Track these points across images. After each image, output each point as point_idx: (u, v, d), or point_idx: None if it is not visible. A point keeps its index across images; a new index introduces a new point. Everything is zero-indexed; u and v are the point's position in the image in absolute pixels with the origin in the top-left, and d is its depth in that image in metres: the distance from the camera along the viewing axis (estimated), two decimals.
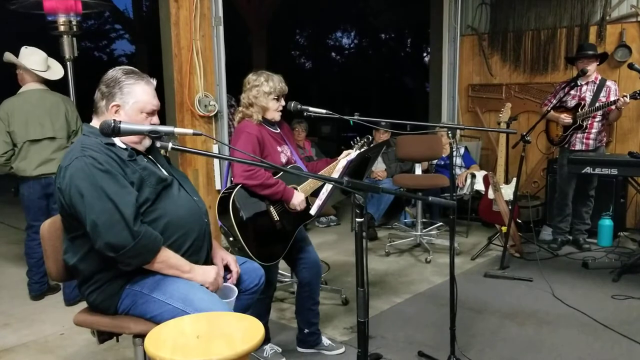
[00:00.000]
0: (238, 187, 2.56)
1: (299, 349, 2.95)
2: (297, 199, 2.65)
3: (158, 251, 1.89)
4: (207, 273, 2.00)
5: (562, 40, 5.50)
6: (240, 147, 2.57)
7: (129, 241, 1.81)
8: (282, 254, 2.69)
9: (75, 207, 1.86)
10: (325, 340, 2.96)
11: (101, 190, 1.82)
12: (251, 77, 2.71)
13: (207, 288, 1.97)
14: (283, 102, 2.71)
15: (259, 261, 2.45)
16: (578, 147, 4.47)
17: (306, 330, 2.92)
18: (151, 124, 2.00)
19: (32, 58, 3.60)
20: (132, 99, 1.96)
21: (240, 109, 2.73)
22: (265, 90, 2.65)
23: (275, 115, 2.72)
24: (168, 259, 1.92)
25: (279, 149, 2.74)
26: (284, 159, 2.73)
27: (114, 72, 2.00)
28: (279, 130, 2.81)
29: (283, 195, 2.61)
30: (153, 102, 2.01)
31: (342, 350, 2.93)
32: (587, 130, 4.42)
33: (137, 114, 1.97)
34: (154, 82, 2.06)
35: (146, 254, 1.88)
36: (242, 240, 2.49)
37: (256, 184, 2.55)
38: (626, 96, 4.08)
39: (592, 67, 4.37)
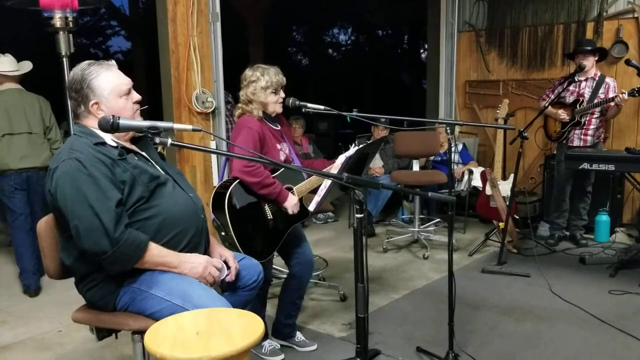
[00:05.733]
0: (235, 182, 2.55)
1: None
2: (291, 202, 2.64)
3: (140, 258, 1.87)
4: (194, 268, 1.96)
5: (559, 37, 5.50)
6: (240, 142, 2.55)
7: (108, 248, 1.80)
8: (272, 252, 2.68)
9: (61, 211, 1.86)
10: (299, 336, 2.97)
11: (83, 196, 1.81)
12: (247, 73, 2.69)
13: (203, 282, 1.96)
14: (283, 94, 2.70)
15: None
16: (576, 143, 4.48)
17: (283, 321, 2.92)
18: (134, 102, 2.01)
19: (2, 60, 3.85)
20: (104, 91, 1.95)
21: (240, 105, 2.71)
22: (262, 85, 2.63)
23: (277, 108, 2.71)
24: (152, 257, 1.90)
25: (279, 146, 2.72)
26: (282, 157, 2.72)
27: (73, 75, 1.97)
28: (279, 127, 2.79)
29: (278, 197, 2.61)
30: (124, 82, 1.99)
31: (314, 347, 2.93)
32: (585, 127, 4.43)
33: (117, 101, 1.96)
34: (113, 62, 2.03)
35: (126, 262, 1.87)
36: (233, 236, 2.49)
37: (255, 181, 2.54)
38: (624, 93, 4.08)
39: (589, 63, 4.36)
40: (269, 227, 2.65)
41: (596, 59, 4.42)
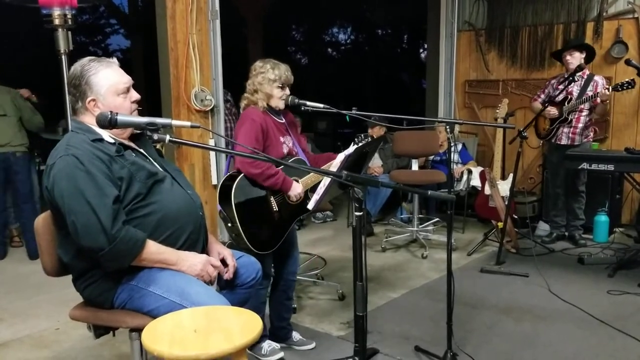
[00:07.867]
0: (242, 175, 2.58)
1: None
2: (295, 190, 2.66)
3: (137, 255, 1.87)
4: (192, 266, 1.96)
5: (559, 37, 5.50)
6: (243, 135, 2.58)
7: (105, 245, 1.80)
8: (277, 244, 2.69)
9: (58, 207, 1.86)
10: (296, 335, 2.96)
11: (80, 193, 1.80)
12: (258, 64, 2.72)
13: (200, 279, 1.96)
14: (288, 92, 2.72)
15: (254, 249, 2.50)
16: (564, 141, 4.49)
17: (276, 324, 2.93)
18: (133, 102, 2.00)
19: None
20: (102, 88, 1.94)
21: (246, 95, 2.73)
22: (271, 78, 2.65)
23: (279, 104, 2.72)
24: (149, 254, 1.89)
25: (282, 139, 2.74)
26: (285, 150, 2.73)
27: (73, 71, 1.97)
28: (283, 120, 2.81)
29: (282, 186, 2.62)
30: (123, 80, 1.98)
31: (312, 345, 2.93)
32: (573, 125, 4.44)
33: (114, 99, 1.96)
34: (114, 60, 2.02)
35: (123, 259, 1.86)
36: (239, 227, 2.51)
37: (257, 172, 2.56)
38: (607, 89, 4.10)
39: (576, 60, 4.34)
40: (274, 219, 2.66)
41: (583, 56, 4.40)
